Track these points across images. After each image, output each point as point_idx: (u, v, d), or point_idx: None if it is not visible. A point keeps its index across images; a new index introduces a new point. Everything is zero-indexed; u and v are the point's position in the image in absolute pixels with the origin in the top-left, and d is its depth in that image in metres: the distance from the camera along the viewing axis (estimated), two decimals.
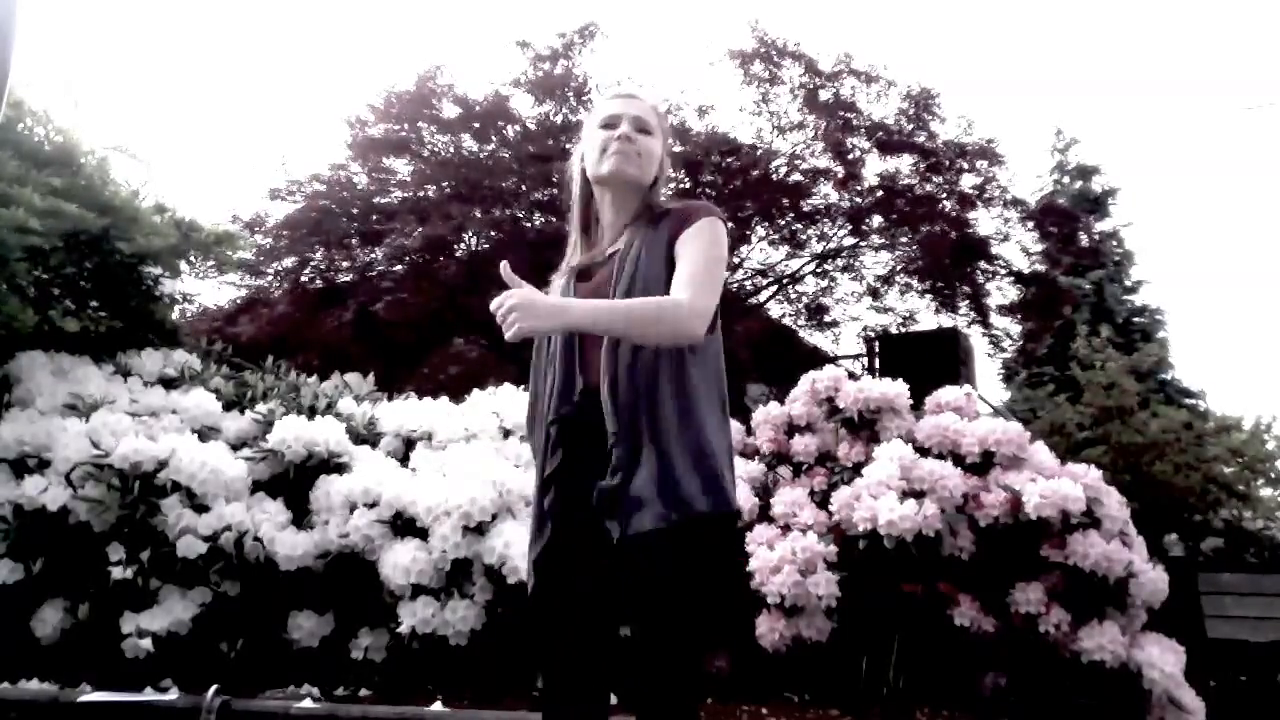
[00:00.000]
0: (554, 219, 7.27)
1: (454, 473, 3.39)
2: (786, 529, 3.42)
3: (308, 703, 2.89)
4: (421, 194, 7.64)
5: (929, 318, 8.80)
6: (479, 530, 3.15)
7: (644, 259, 1.50)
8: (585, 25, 7.72)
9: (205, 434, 3.59)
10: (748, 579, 3.26)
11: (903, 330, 8.80)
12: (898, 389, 3.79)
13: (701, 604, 1.44)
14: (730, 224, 7.66)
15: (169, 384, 3.97)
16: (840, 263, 8.69)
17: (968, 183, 7.92)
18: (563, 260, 1.73)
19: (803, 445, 3.78)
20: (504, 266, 1.44)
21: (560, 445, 1.50)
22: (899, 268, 8.51)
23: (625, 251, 1.54)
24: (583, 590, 1.46)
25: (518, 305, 1.32)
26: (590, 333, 1.45)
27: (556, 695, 1.47)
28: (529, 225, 7.33)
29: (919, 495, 3.31)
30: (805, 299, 8.93)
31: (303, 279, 7.70)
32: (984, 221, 8.16)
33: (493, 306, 1.34)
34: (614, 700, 1.54)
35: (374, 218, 7.33)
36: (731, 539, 1.59)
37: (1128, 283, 14.48)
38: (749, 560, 3.30)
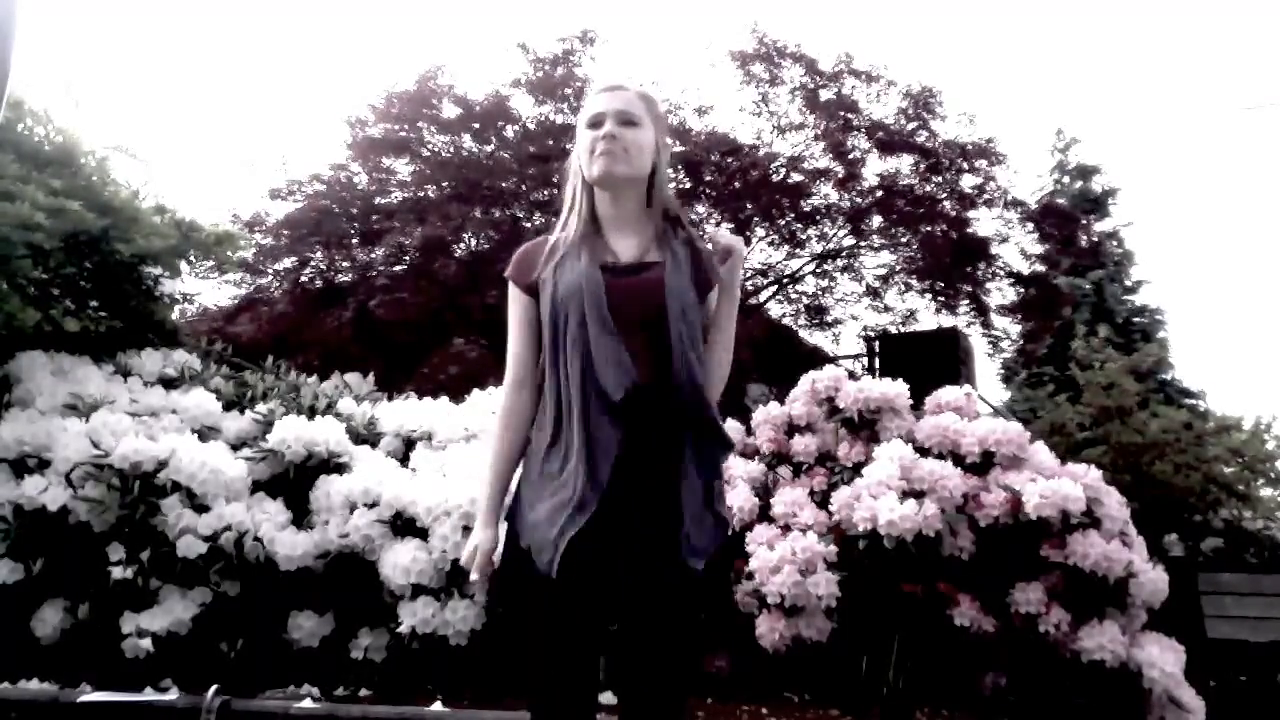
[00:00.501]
0: (554, 219, 7.25)
1: (454, 473, 3.39)
2: (786, 529, 3.42)
3: (308, 703, 2.89)
4: (421, 194, 7.64)
5: (929, 318, 8.81)
6: None
7: (684, 283, 1.55)
8: (585, 31, 7.72)
9: (205, 434, 3.59)
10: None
11: (903, 330, 8.79)
12: (898, 389, 3.79)
13: (709, 607, 1.45)
14: (730, 225, 7.67)
15: (169, 384, 3.97)
16: (840, 263, 8.70)
17: (968, 183, 7.92)
18: (546, 246, 1.65)
19: (803, 445, 3.78)
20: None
21: (619, 433, 1.44)
22: (899, 267, 8.52)
23: (670, 266, 1.56)
24: (598, 590, 1.43)
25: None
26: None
27: (553, 695, 1.44)
28: (529, 225, 7.33)
29: (919, 495, 3.31)
30: (805, 299, 8.93)
31: (303, 279, 7.69)
32: (984, 222, 8.17)
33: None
34: (611, 700, 1.53)
35: (374, 218, 7.33)
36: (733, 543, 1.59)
37: (1128, 283, 14.48)
38: (748, 560, 3.31)
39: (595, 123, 1.60)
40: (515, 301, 1.63)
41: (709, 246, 1.64)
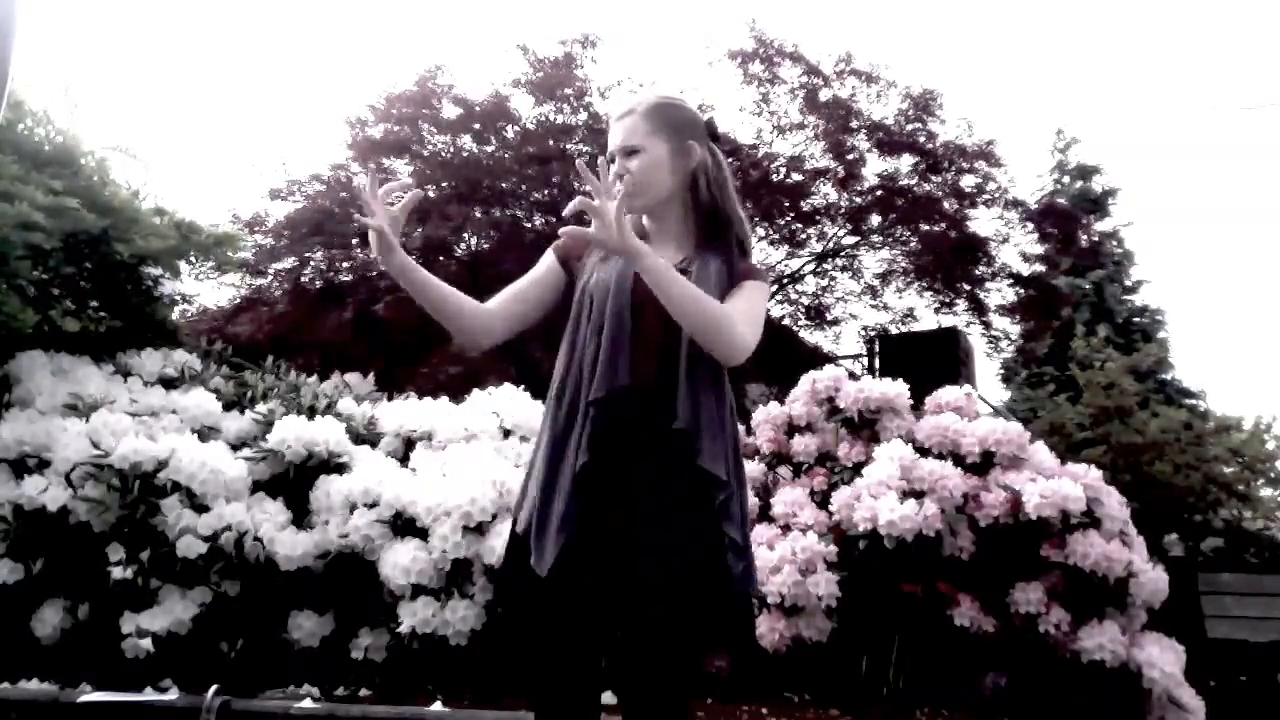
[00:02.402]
0: (554, 219, 7.28)
1: (454, 473, 3.39)
2: (786, 529, 3.42)
3: (308, 703, 2.89)
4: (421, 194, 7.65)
5: (929, 317, 8.83)
6: (479, 530, 3.15)
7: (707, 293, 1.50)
8: (586, 35, 7.72)
9: (205, 434, 3.58)
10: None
11: (902, 329, 8.81)
12: (898, 389, 3.79)
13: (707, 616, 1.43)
14: None
15: (169, 384, 3.97)
16: (840, 261, 8.71)
17: (967, 182, 7.93)
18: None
19: (803, 445, 3.78)
20: (582, 164, 1.42)
21: (597, 434, 1.46)
22: (898, 264, 8.53)
23: (697, 275, 1.53)
24: (594, 594, 1.43)
25: (616, 220, 1.37)
26: (651, 280, 1.43)
27: (555, 697, 1.45)
28: (529, 226, 7.34)
29: (919, 495, 3.31)
30: (805, 299, 8.95)
31: (303, 279, 7.70)
32: (984, 222, 8.19)
33: (582, 204, 1.38)
34: (611, 700, 1.53)
35: None
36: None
37: (1128, 283, 14.50)
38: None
39: (611, 158, 1.60)
40: (542, 263, 1.67)
41: (743, 259, 1.62)
